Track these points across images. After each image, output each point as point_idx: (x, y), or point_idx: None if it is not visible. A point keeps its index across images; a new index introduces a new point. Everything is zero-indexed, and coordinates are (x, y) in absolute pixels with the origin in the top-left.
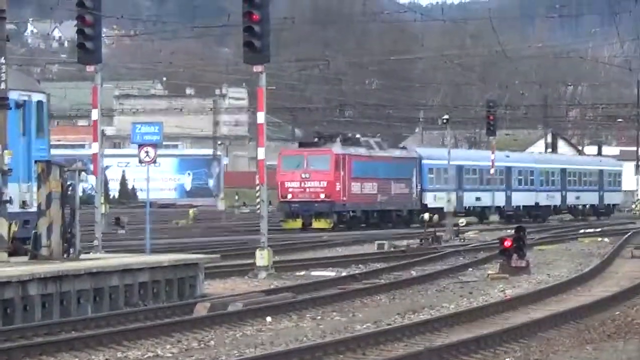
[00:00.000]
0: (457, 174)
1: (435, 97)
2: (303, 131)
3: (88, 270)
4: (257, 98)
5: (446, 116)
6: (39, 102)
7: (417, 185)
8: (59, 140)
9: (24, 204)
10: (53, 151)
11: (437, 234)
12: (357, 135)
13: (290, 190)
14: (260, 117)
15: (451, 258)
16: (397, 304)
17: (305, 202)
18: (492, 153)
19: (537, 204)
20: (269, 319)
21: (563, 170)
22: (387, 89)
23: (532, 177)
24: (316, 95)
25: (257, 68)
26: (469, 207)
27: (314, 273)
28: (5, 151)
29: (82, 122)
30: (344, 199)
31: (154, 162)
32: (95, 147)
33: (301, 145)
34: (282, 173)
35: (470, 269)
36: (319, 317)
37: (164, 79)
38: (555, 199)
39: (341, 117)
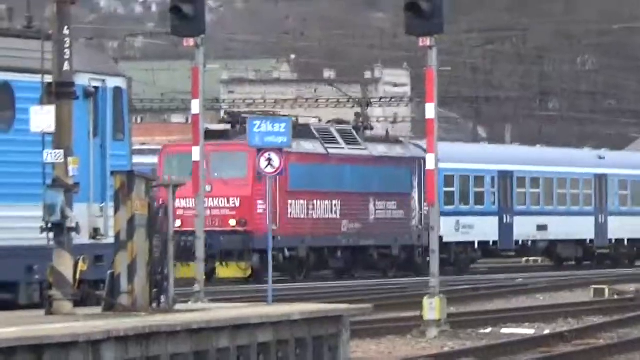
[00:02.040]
0: (502, 186)
1: None
2: (489, 129)
3: (186, 327)
4: (424, 84)
5: None
6: (117, 90)
7: (421, 205)
8: (144, 144)
9: (95, 232)
10: (137, 159)
11: None
12: (313, 120)
13: (178, 212)
14: (430, 110)
15: None
16: None
17: (205, 233)
18: None
19: None
20: None
21: None
22: (607, 70)
23: None
24: (508, 79)
25: (425, 41)
26: (523, 241)
27: (504, 330)
28: (70, 159)
29: (176, 118)
30: (274, 228)
31: (280, 172)
32: (196, 153)
33: None
34: None
35: None
36: None
37: (292, 57)
38: None
39: (543, 109)
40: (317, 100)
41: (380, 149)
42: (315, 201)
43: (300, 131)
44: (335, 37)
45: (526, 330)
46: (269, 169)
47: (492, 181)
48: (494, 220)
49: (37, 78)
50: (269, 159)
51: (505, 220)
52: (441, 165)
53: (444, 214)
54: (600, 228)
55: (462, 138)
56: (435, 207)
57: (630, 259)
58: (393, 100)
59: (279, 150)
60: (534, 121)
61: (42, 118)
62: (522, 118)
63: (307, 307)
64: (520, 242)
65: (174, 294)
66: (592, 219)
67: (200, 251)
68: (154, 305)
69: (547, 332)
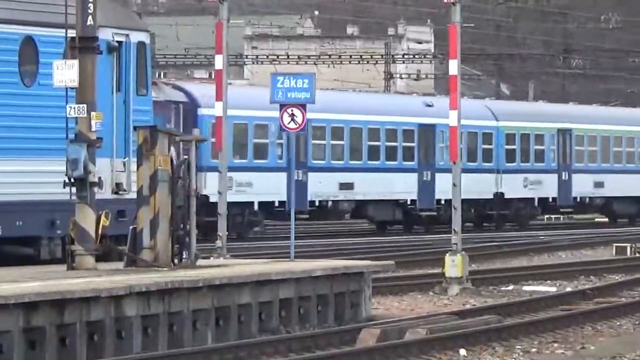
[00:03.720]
0: (291, 137)
1: None
2: (511, 87)
3: (208, 282)
4: (448, 40)
5: None
6: (141, 45)
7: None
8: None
9: (118, 187)
10: None
11: None
12: None
13: None
14: (453, 66)
15: None
16: None
17: None
18: None
19: (499, 195)
20: (463, 352)
21: (564, 132)
22: (631, 27)
23: (488, 146)
24: (531, 37)
25: None
26: (322, 201)
27: (526, 288)
28: (93, 113)
29: (199, 74)
30: None
31: (302, 129)
32: (219, 108)
33: None
34: None
35: None
36: (534, 350)
37: (316, 13)
38: (547, 187)
39: (565, 67)
40: (340, 56)
41: None
42: None
43: None
44: None
45: (548, 288)
46: (292, 125)
47: (278, 131)
48: (281, 176)
49: (60, 32)
50: (292, 115)
51: (297, 177)
52: (208, 112)
53: (211, 168)
54: (425, 187)
55: (485, 95)
56: (457, 165)
57: (476, 223)
58: (416, 56)
59: (302, 106)
60: (558, 78)
61: (65, 72)
62: (545, 75)
63: (329, 263)
64: (317, 203)
65: (196, 250)
66: (414, 177)
67: (222, 207)
68: (176, 260)
69: (568, 289)
